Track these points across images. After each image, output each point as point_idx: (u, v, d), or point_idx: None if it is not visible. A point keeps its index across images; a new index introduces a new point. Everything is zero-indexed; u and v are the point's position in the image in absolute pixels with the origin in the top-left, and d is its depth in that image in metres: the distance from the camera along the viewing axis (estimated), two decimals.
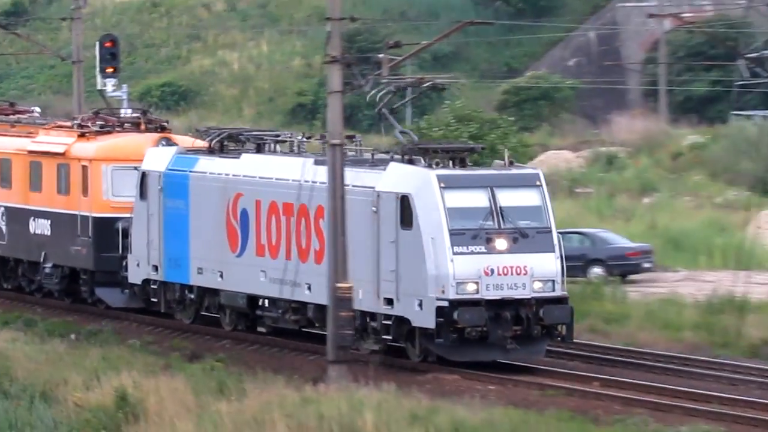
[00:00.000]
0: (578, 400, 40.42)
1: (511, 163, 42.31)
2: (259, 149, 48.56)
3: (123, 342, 51.30)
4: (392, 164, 41.87)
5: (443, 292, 38.74)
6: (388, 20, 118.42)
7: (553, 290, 39.65)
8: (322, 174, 42.30)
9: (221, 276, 47.15)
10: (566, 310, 40.06)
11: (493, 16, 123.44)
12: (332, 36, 42.99)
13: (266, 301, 45.78)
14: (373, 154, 45.64)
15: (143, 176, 49.01)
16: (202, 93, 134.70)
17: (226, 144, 49.31)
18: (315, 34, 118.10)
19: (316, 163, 44.05)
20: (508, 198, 40.11)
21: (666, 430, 36.77)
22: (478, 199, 40.00)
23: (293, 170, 44.72)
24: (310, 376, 44.45)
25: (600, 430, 37.63)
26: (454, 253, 39.00)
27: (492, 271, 39.08)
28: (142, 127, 52.71)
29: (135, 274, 49.37)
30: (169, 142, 50.36)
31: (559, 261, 40.08)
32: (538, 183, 41.18)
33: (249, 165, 46.76)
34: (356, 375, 42.69)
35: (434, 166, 40.74)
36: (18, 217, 53.94)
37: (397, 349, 45.43)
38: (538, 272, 39.58)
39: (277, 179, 45.21)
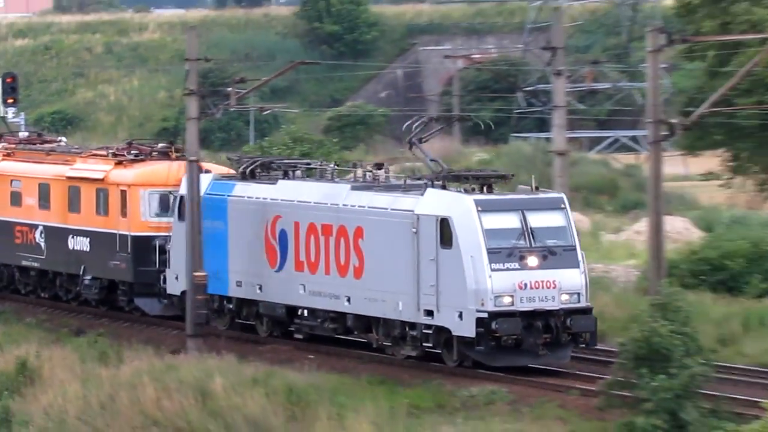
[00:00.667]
0: (387, 368, 40.29)
1: (536, 189, 39.94)
2: (292, 175, 45.46)
3: (21, 320, 50.60)
4: (429, 190, 39.32)
5: (483, 304, 36.54)
6: (235, 60, 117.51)
7: (579, 302, 37.53)
8: (358, 198, 40.85)
9: (260, 289, 44.42)
10: (591, 319, 37.73)
11: (319, 57, 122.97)
12: (190, 73, 43.45)
13: (305, 311, 43.11)
14: (405, 180, 43.19)
15: (181, 200, 46.02)
16: (85, 119, 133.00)
17: (258, 171, 46.24)
18: (176, 71, 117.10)
19: (353, 188, 41.97)
20: (537, 220, 38.16)
21: (459, 392, 37.05)
22: (510, 221, 37.96)
23: (331, 195, 42.24)
24: (173, 347, 44.34)
25: (405, 391, 38.03)
26: (492, 270, 36.82)
27: (525, 285, 37.07)
28: (173, 155, 50.23)
29: (174, 287, 46.69)
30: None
31: (583, 275, 38.01)
32: (562, 206, 39.24)
33: (286, 190, 43.93)
34: (209, 347, 42.70)
35: (469, 191, 38.73)
36: (57, 234, 51.32)
37: (245, 326, 45.12)
38: (565, 286, 37.54)
39: (315, 203, 42.47)
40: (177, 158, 48.71)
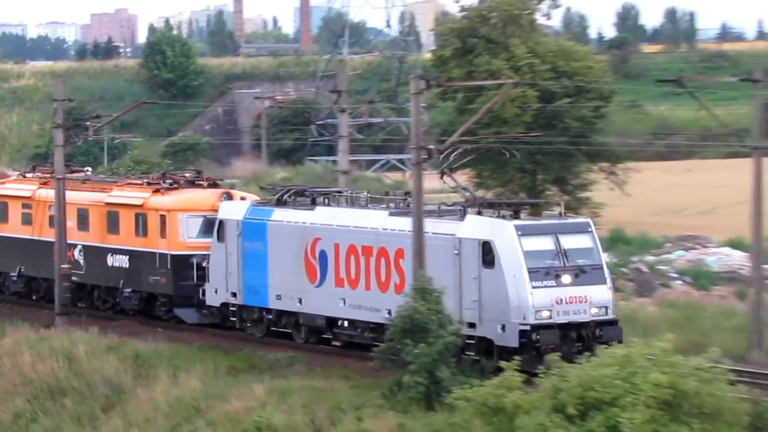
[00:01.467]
0: (213, 338, 39.95)
1: (564, 214, 36.60)
2: (328, 202, 40.92)
3: None
4: (469, 216, 35.15)
5: (524, 318, 32.77)
6: (93, 101, 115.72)
7: (607, 314, 33.71)
8: (397, 223, 36.59)
9: (300, 302, 39.54)
10: (619, 330, 33.67)
11: (158, 98, 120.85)
12: (57, 111, 42.69)
13: (345, 322, 38.27)
14: (439, 207, 38.05)
15: (220, 223, 41.63)
16: None
17: (292, 198, 41.72)
18: (46, 109, 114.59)
19: (391, 214, 37.57)
20: (568, 242, 34.33)
21: (267, 356, 37.06)
22: (546, 243, 34.10)
23: (371, 220, 37.83)
24: (45, 323, 43.22)
25: (227, 356, 37.75)
26: (533, 287, 33.12)
27: (561, 300, 33.40)
28: (204, 184, 45.98)
29: (213, 299, 41.96)
30: (229, 197, 43.79)
31: (610, 291, 34.54)
32: (589, 229, 35.41)
33: (324, 215, 39.32)
34: (73, 323, 41.74)
35: (506, 217, 34.68)
36: (95, 253, 46.72)
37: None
38: (595, 300, 33.85)
39: (355, 227, 37.92)
40: (208, 186, 45.48)
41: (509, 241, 33.02)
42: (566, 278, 33.00)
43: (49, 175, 49.43)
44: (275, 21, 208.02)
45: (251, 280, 40.02)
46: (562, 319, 32.47)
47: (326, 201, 39.64)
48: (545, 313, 32.50)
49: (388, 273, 36.41)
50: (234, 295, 40.22)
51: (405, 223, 35.28)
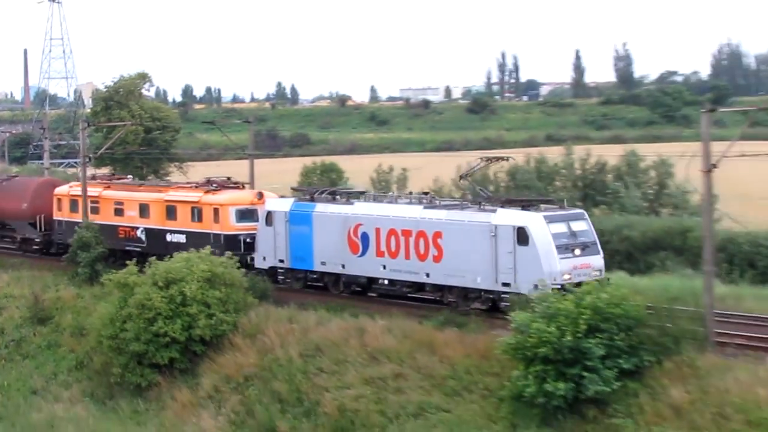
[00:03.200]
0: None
1: (563, 206, 39.67)
2: (363, 198, 44.50)
3: None
4: (500, 209, 38.09)
5: (555, 280, 35.72)
6: None
7: (601, 275, 36.91)
8: (432, 214, 39.58)
9: (343, 267, 43.01)
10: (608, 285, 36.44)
11: None
12: None
13: (385, 281, 41.54)
14: (461, 202, 42.20)
15: (269, 213, 45.27)
16: None
17: (321, 195, 45.24)
18: None
19: (425, 208, 40.53)
20: (575, 226, 37.42)
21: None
22: (562, 227, 37.11)
23: (409, 211, 40.68)
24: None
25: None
26: (560, 259, 36.20)
27: (575, 267, 36.52)
28: (241, 187, 50.68)
29: (262, 264, 45.45)
30: (261, 195, 48.17)
31: (603, 259, 37.75)
32: (585, 217, 38.63)
33: (362, 208, 42.82)
34: None
35: (533, 209, 37.85)
36: (155, 233, 51.08)
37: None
38: (594, 265, 37.19)
39: (394, 216, 40.99)
40: (242, 188, 50.66)
41: (541, 227, 36.55)
42: (577, 251, 36.67)
43: (107, 181, 56.49)
44: (11, 93, 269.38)
45: (298, 251, 44.30)
46: (576, 280, 35.59)
47: (360, 198, 44.12)
48: (566, 276, 36.00)
49: (426, 248, 39.73)
50: (281, 261, 44.85)
51: (439, 214, 39.46)
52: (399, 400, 33.50)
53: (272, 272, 45.15)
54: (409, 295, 40.95)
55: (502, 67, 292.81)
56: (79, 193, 54.23)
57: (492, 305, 38.03)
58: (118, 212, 52.87)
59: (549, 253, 36.41)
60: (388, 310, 39.08)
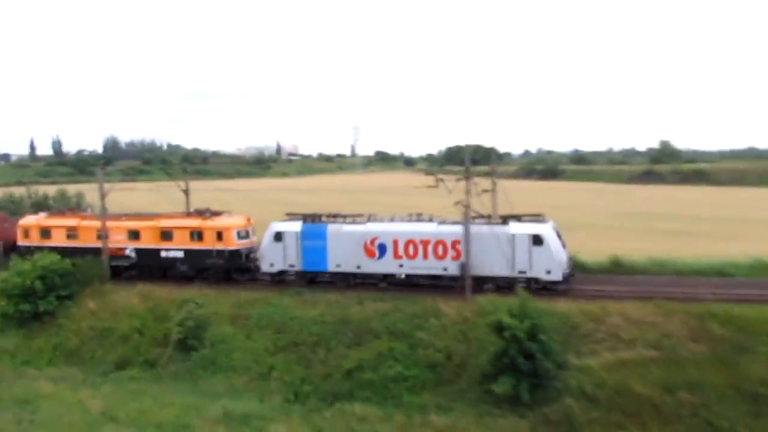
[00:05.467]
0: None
1: (543, 218, 48.57)
2: (374, 219, 51.63)
3: None
4: (511, 222, 46.92)
5: (562, 267, 45.71)
6: None
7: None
8: (445, 227, 47.55)
9: (358, 267, 49.46)
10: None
11: None
12: None
13: (402, 275, 48.19)
14: (479, 217, 49.25)
15: (279, 233, 51.90)
16: None
17: (314, 219, 52.64)
18: None
19: (439, 224, 47.63)
20: (556, 230, 46.32)
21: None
22: (555, 232, 46.05)
23: (424, 228, 47.35)
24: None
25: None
26: (563, 254, 45.86)
27: (567, 259, 46.57)
28: (233, 215, 56.73)
29: (269, 268, 52.39)
30: (249, 221, 55.89)
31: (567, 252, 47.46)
32: (555, 225, 47.40)
33: (375, 227, 49.58)
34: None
35: (531, 221, 47.39)
36: (149, 252, 56.54)
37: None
38: (568, 256, 47.16)
39: (411, 231, 47.25)
40: (234, 216, 56.48)
41: (551, 234, 45.98)
42: (564, 248, 45.82)
43: (80, 217, 60.87)
44: None
45: (311, 257, 50.47)
46: (568, 268, 46.32)
47: (370, 219, 51.23)
48: (566, 265, 46.17)
49: (445, 251, 47.29)
50: (292, 266, 51.50)
51: (453, 228, 47.30)
52: None
53: (278, 274, 53.89)
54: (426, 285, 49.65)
55: None
56: (50, 223, 61.44)
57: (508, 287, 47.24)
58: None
59: (558, 250, 46.73)
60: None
